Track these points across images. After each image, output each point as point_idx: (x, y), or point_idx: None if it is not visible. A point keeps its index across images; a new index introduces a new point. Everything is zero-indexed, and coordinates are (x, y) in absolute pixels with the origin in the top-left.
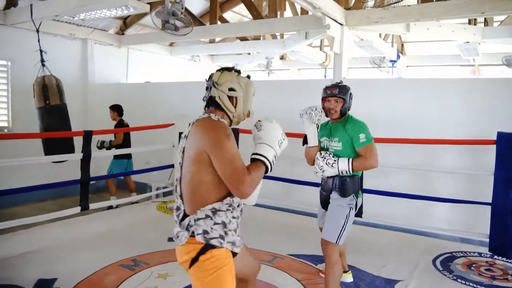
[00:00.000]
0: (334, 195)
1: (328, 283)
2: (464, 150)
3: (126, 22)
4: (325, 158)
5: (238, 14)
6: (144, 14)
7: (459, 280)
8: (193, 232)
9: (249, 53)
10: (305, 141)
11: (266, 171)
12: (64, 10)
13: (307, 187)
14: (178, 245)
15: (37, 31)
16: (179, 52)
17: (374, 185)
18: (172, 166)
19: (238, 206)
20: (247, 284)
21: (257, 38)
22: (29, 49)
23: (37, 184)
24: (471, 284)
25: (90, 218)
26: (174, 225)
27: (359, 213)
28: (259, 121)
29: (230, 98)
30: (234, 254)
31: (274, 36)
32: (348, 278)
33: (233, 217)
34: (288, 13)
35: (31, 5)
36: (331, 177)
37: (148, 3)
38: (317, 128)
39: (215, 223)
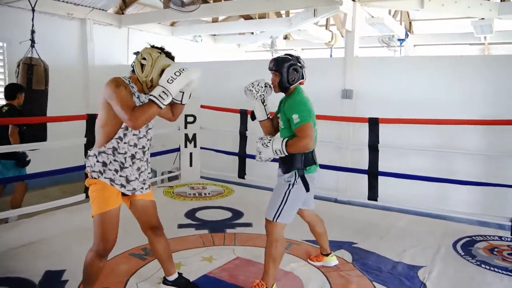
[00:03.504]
0: (278, 172)
1: (265, 261)
2: (485, 130)
3: (126, 1)
4: (262, 139)
5: None
6: None
7: (482, 265)
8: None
9: (252, 33)
10: (253, 116)
11: (159, 106)
12: None
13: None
14: None
15: (33, 10)
16: (180, 32)
17: (389, 167)
18: (177, 149)
19: (125, 153)
20: (154, 239)
21: (262, 16)
22: (26, 29)
23: (39, 170)
24: (496, 269)
25: None
26: None
27: (373, 197)
28: None
29: (142, 66)
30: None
31: (279, 15)
32: (332, 261)
33: (115, 160)
34: None
35: None
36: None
37: None
38: (263, 102)
39: (97, 161)
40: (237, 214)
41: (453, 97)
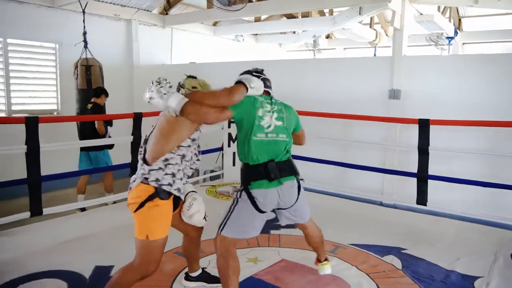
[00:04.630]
0: None
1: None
2: None
3: (170, 2)
4: (160, 83)
5: None
6: None
7: None
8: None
9: (294, 32)
10: None
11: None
12: None
13: (361, 171)
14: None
15: (83, 12)
16: (222, 32)
17: (438, 170)
18: (219, 149)
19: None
20: (190, 239)
21: (305, 15)
22: (74, 31)
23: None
24: None
25: None
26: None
27: (422, 201)
28: None
29: None
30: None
31: (322, 13)
32: (325, 269)
33: (179, 170)
34: None
35: None
36: None
37: None
38: None
39: (166, 174)
40: None
41: (507, 97)
